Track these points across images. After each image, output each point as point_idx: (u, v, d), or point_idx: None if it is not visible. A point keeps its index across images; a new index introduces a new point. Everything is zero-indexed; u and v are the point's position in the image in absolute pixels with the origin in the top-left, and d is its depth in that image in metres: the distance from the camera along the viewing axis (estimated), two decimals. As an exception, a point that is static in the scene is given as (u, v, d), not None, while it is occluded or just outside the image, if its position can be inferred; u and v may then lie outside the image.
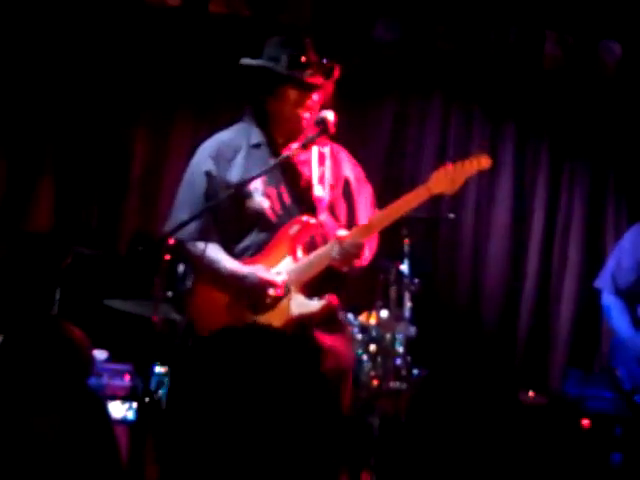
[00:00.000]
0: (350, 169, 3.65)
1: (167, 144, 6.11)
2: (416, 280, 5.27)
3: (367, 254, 3.51)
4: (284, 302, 3.36)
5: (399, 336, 5.17)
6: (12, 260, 5.65)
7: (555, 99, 6.41)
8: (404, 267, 5.22)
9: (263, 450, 1.74)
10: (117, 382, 5.00)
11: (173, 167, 6.04)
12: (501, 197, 6.40)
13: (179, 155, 6.05)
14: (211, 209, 3.42)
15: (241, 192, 3.42)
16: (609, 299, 4.72)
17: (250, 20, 6.02)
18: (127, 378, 5.03)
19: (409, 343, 5.21)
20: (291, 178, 3.51)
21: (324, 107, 3.53)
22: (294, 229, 3.42)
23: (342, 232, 3.40)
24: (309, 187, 3.50)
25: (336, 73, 3.50)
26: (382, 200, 3.98)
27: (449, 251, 6.41)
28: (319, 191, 3.49)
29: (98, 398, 2.96)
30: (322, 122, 3.45)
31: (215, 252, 3.45)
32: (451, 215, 6.06)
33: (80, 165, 5.95)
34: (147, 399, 4.56)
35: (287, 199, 3.49)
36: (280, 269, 3.41)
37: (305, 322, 3.37)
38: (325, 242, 3.44)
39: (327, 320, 3.43)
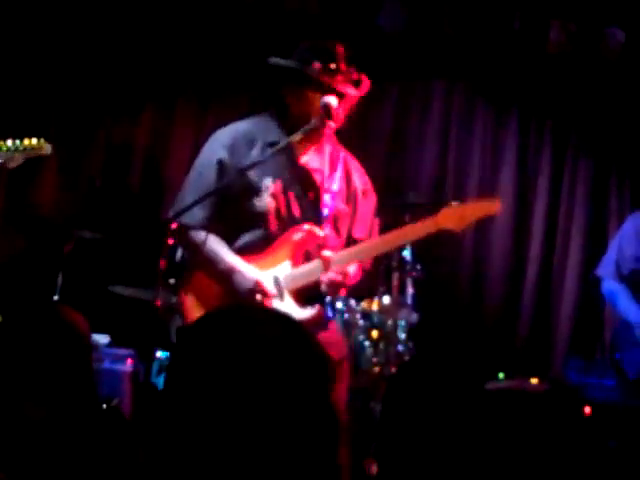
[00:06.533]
0: (359, 179, 3.63)
1: (170, 129, 6.11)
2: (418, 266, 5.28)
3: (354, 275, 3.45)
4: (276, 307, 3.32)
5: (401, 322, 5.17)
6: (15, 245, 5.65)
7: (559, 86, 6.39)
8: (406, 253, 5.22)
9: (259, 439, 1.70)
10: (119, 367, 5.01)
11: (176, 152, 6.05)
12: (504, 183, 6.38)
13: (182, 140, 6.06)
14: (218, 197, 3.36)
15: (252, 188, 3.38)
16: (613, 285, 4.73)
17: (256, 6, 6.01)
18: (130, 362, 5.04)
19: (411, 329, 5.21)
20: (303, 184, 3.48)
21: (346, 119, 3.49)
22: (298, 236, 3.40)
23: (327, 253, 3.34)
24: (318, 196, 3.47)
25: (365, 86, 3.45)
26: (384, 192, 3.99)
27: (451, 237, 6.38)
28: (327, 202, 3.46)
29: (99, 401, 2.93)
30: (324, 107, 3.41)
31: (216, 244, 3.41)
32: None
33: (83, 149, 5.96)
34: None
35: (294, 205, 3.44)
36: (277, 272, 3.38)
37: None
38: None
39: (316, 325, 3.39)
